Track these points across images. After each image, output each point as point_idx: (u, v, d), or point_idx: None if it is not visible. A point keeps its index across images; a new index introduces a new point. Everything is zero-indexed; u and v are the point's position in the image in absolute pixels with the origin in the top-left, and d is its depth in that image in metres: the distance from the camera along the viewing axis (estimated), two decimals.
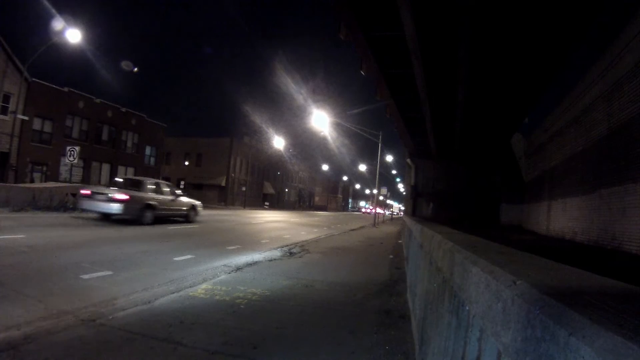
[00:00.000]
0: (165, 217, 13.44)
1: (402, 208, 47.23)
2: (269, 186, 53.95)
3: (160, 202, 13.01)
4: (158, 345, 2.80)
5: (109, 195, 11.53)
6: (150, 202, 12.46)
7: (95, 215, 12.21)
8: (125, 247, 7.21)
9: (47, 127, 25.01)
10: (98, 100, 28.56)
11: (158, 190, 13.36)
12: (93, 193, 11.95)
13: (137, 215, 11.91)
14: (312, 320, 3.70)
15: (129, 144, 32.25)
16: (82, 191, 12.60)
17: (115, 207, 11.34)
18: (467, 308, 1.26)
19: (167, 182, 15.28)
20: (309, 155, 62.33)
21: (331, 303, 4.42)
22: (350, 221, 30.75)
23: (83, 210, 12.62)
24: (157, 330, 3.08)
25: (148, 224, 11.98)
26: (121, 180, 14.01)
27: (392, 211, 59.51)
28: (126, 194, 11.66)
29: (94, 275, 4.84)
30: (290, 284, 5.21)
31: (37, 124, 24.18)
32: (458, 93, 12.25)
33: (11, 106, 21.83)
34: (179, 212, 14.29)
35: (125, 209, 11.41)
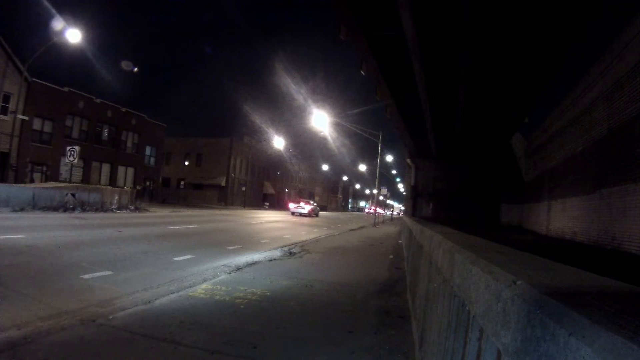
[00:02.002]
0: (315, 215, 33.70)
1: (403, 208, 47.24)
2: (269, 186, 53.95)
3: (314, 208, 34.40)
4: (158, 345, 2.80)
5: (304, 207, 32.86)
6: (314, 209, 34.20)
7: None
8: (125, 247, 7.21)
9: (47, 127, 25.01)
10: (98, 100, 28.56)
11: (313, 204, 35.66)
12: (297, 206, 33.04)
13: (311, 214, 32.41)
14: (312, 320, 3.70)
15: (129, 144, 32.25)
16: (291, 203, 35.65)
17: (305, 212, 32.18)
18: (467, 308, 1.26)
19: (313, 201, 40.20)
20: (309, 155, 62.38)
21: (331, 303, 4.42)
22: (350, 221, 30.75)
23: (293, 213, 32.23)
24: (157, 330, 3.08)
25: (313, 217, 31.09)
26: (303, 199, 38.09)
27: (392, 211, 59.43)
28: (310, 206, 33.83)
29: (94, 275, 4.84)
30: (290, 284, 5.21)
31: (37, 124, 24.17)
32: (458, 93, 12.25)
33: (11, 106, 21.82)
34: (317, 213, 35.60)
35: (308, 213, 32.24)
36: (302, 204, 34.09)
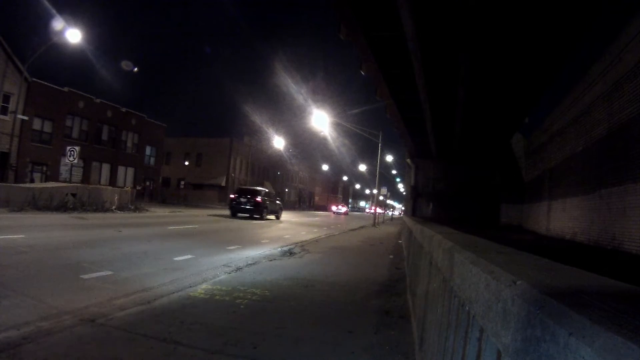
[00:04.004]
0: (347, 214, 53.25)
1: (403, 208, 47.35)
2: (269, 186, 53.93)
3: (347, 210, 62.55)
4: (158, 345, 2.80)
5: (341, 209, 56.71)
6: (347, 210, 60.48)
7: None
8: (125, 247, 7.21)
9: (47, 127, 25.02)
10: (98, 100, 28.56)
11: (346, 206, 67.08)
12: (337, 208, 57.04)
13: (346, 214, 54.40)
14: (312, 321, 3.70)
15: (129, 144, 32.26)
16: (332, 206, 60.65)
17: (342, 212, 54.65)
18: (467, 308, 1.26)
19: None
20: (309, 155, 62.41)
21: (331, 303, 4.42)
22: (350, 221, 30.76)
23: (334, 212, 53.14)
24: (157, 330, 3.08)
25: (346, 215, 49.20)
26: (340, 204, 67.68)
27: (392, 211, 59.63)
28: (346, 208, 61.54)
29: (94, 275, 4.83)
30: (290, 284, 5.21)
31: (37, 124, 24.18)
32: (458, 93, 12.25)
33: (11, 106, 21.83)
34: (348, 212, 58.92)
35: (344, 212, 54.09)
36: (340, 207, 58.16)
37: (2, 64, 21.55)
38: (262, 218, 19.99)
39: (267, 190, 22.12)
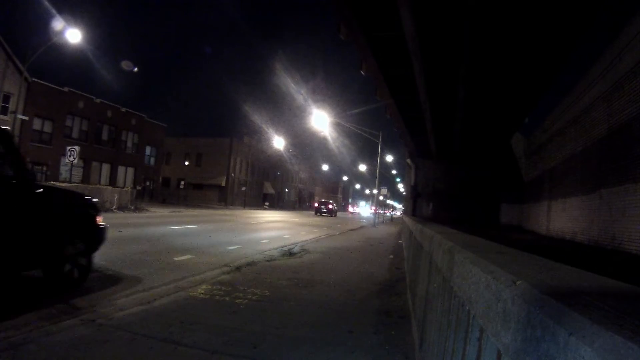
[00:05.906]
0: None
1: (403, 208, 47.34)
2: (269, 186, 53.96)
3: (359, 210, 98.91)
4: (158, 345, 2.80)
5: (355, 209, 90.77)
6: (356, 211, 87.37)
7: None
8: (125, 247, 7.21)
9: (47, 127, 25.03)
10: (98, 100, 28.57)
11: (358, 207, 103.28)
12: (354, 209, 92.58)
13: (358, 213, 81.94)
14: (312, 320, 3.70)
15: (129, 144, 32.27)
16: (349, 207, 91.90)
17: (356, 212, 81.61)
18: (467, 308, 1.26)
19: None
20: (309, 155, 62.51)
21: (331, 303, 4.42)
22: (350, 221, 30.76)
23: (352, 213, 74.11)
24: (157, 330, 3.08)
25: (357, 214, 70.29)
26: (354, 205, 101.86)
27: (392, 212, 59.67)
28: (358, 209, 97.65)
29: (94, 275, 4.83)
30: (290, 284, 5.21)
31: (37, 124, 24.19)
32: (458, 93, 12.25)
33: (11, 106, 21.83)
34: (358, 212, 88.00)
35: (358, 212, 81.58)
36: (355, 207, 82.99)
37: (2, 64, 21.55)
38: (331, 216, 38.16)
39: (333, 202, 43.67)
